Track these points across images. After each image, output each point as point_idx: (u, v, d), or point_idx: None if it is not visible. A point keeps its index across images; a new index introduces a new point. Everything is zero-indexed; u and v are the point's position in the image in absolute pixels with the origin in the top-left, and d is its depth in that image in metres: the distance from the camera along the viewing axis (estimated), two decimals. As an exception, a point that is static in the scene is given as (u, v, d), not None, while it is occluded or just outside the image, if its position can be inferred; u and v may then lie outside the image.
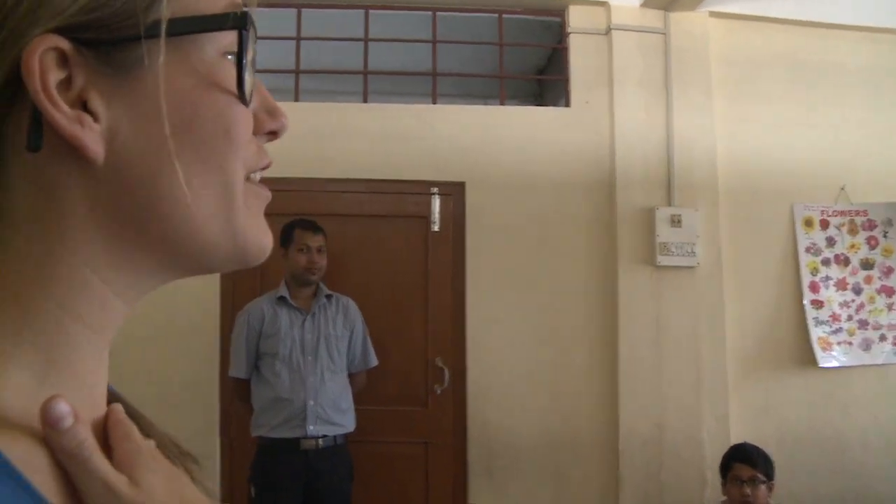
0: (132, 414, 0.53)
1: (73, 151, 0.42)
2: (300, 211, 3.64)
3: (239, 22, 0.45)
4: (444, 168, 3.84)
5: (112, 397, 0.53)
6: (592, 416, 3.72)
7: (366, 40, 4.03)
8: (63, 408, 0.40)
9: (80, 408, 0.43)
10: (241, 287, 3.84)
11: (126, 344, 3.02)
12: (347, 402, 3.31)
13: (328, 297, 3.37)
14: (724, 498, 3.12)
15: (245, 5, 0.48)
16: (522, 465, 3.73)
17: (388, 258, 3.88)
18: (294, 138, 3.49)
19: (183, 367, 3.80)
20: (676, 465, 3.64)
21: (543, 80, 4.63)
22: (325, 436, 3.18)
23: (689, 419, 3.65)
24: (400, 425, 3.80)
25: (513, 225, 3.81)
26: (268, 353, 3.26)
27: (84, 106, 0.42)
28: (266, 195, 0.51)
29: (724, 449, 3.23)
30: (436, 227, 3.88)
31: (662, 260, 3.66)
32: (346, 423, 3.27)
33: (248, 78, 0.46)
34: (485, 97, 4.28)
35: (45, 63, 0.40)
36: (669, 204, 3.72)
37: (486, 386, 3.76)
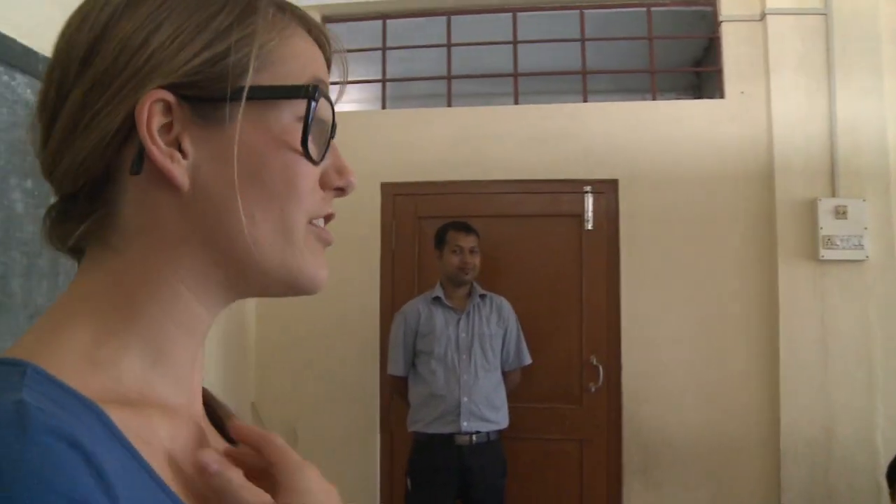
0: (215, 404, 0.68)
1: (166, 180, 0.55)
2: (456, 213, 3.91)
3: (309, 93, 0.57)
4: (597, 166, 3.99)
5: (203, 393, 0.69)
6: (752, 416, 3.77)
7: (515, 42, 4.24)
8: (209, 456, 0.53)
9: (177, 395, 0.57)
10: (399, 288, 4.15)
11: (295, 345, 3.44)
12: (500, 399, 3.54)
13: (482, 296, 3.63)
14: (894, 505, 3.04)
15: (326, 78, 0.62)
16: (678, 464, 3.82)
17: (542, 257, 4.07)
18: (448, 143, 3.79)
19: (346, 365, 4.16)
20: (846, 470, 3.63)
21: (702, 71, 4.63)
22: (478, 432, 3.44)
23: (860, 422, 3.63)
24: (555, 423, 3.99)
25: (667, 221, 3.90)
26: (424, 351, 3.56)
27: (178, 146, 0.55)
28: (327, 239, 0.62)
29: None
30: (589, 226, 4.03)
31: (826, 254, 3.63)
32: (499, 419, 3.51)
33: (314, 140, 0.58)
34: (641, 91, 4.34)
35: (152, 110, 0.54)
36: (833, 194, 3.70)
37: (641, 384, 3.88)
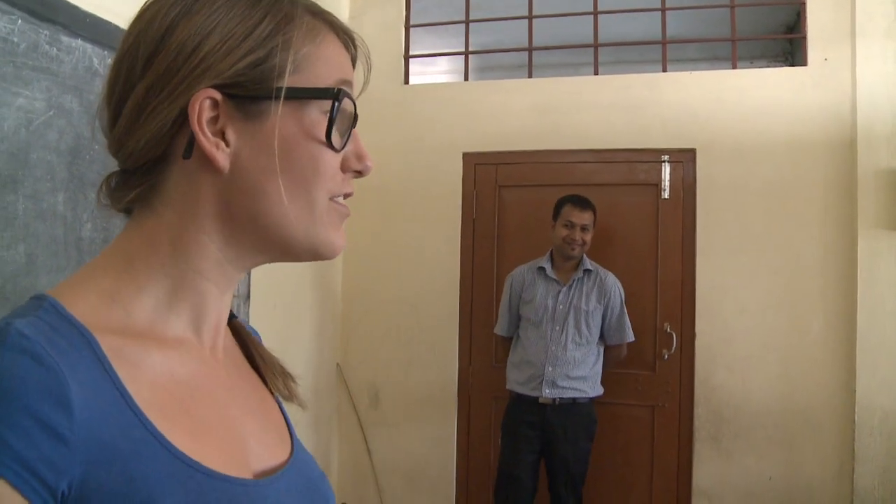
0: (249, 339, 0.85)
1: (210, 163, 0.67)
2: (536, 182, 4.15)
3: (333, 95, 0.69)
4: (675, 135, 4.10)
5: (237, 327, 0.85)
6: (827, 387, 3.83)
7: (595, 13, 4.36)
8: None
9: (189, 331, 0.70)
10: (479, 256, 4.41)
11: (379, 309, 3.81)
12: (589, 371, 3.69)
13: (587, 271, 3.78)
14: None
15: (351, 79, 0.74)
16: (750, 432, 3.93)
17: (619, 226, 4.23)
18: (528, 113, 4.04)
19: (426, 330, 4.42)
20: (923, 442, 3.63)
21: (785, 38, 4.64)
22: (561, 397, 3.63)
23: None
24: (628, 388, 4.16)
25: (745, 190, 3.98)
26: (524, 316, 3.81)
27: (223, 135, 0.67)
28: (345, 213, 0.74)
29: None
30: (666, 195, 4.15)
31: (909, 224, 3.63)
32: (584, 388, 3.67)
33: (336, 132, 0.70)
34: (729, 60, 4.41)
35: (203, 106, 0.66)
36: (920, 163, 3.67)
37: (714, 352, 3.99)
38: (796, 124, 3.93)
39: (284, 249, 0.72)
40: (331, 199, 0.72)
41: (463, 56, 4.71)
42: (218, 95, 0.66)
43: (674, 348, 4.10)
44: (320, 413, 4.36)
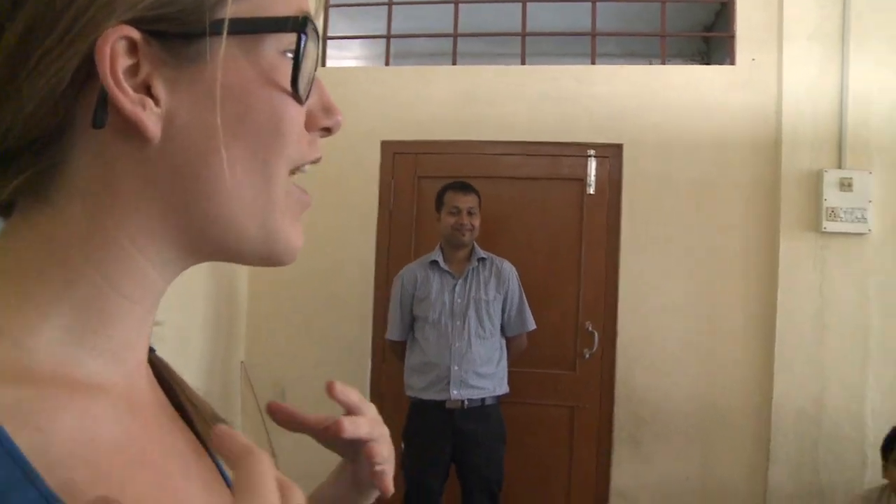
0: (173, 378, 0.64)
1: (133, 131, 0.48)
2: (457, 173, 4.06)
3: (298, 26, 0.52)
4: (602, 130, 4.12)
5: (157, 363, 0.63)
6: (745, 386, 3.93)
7: (524, 1, 4.32)
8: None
9: (111, 373, 0.51)
10: (396, 249, 4.30)
11: (288, 304, 3.64)
12: (495, 366, 3.62)
13: (481, 260, 3.69)
14: (884, 481, 3.20)
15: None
16: (669, 432, 3.99)
17: (542, 221, 4.22)
18: (451, 102, 3.95)
19: (338, 327, 4.30)
20: (835, 442, 3.80)
21: (711, 37, 4.75)
22: (470, 398, 3.54)
23: (850, 395, 3.80)
24: (547, 388, 4.16)
25: (671, 188, 4.04)
26: (420, 316, 3.66)
27: (148, 91, 0.49)
28: (306, 201, 0.57)
29: (888, 429, 3.32)
30: (591, 190, 4.17)
31: (829, 226, 3.78)
32: (492, 387, 3.59)
33: (303, 77, 0.53)
34: (650, 56, 4.47)
35: (115, 50, 0.47)
36: (839, 166, 3.83)
37: (636, 352, 4.03)
38: (723, 123, 4.02)
39: (229, 248, 0.54)
40: (293, 171, 0.55)
41: (383, 40, 4.61)
42: (136, 34, 0.47)
43: (595, 347, 4.12)
44: (222, 414, 4.16)
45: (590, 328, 4.14)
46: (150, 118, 0.49)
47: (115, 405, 0.51)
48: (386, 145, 4.36)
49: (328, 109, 0.57)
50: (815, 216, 3.82)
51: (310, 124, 0.56)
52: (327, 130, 0.58)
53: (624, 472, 4.05)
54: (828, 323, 3.81)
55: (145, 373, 0.58)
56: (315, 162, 0.57)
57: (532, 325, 3.70)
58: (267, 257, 0.56)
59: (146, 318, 0.54)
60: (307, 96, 0.54)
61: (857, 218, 3.77)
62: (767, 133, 3.97)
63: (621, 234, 4.12)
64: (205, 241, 0.54)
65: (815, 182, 3.85)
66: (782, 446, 3.83)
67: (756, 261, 3.96)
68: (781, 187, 3.89)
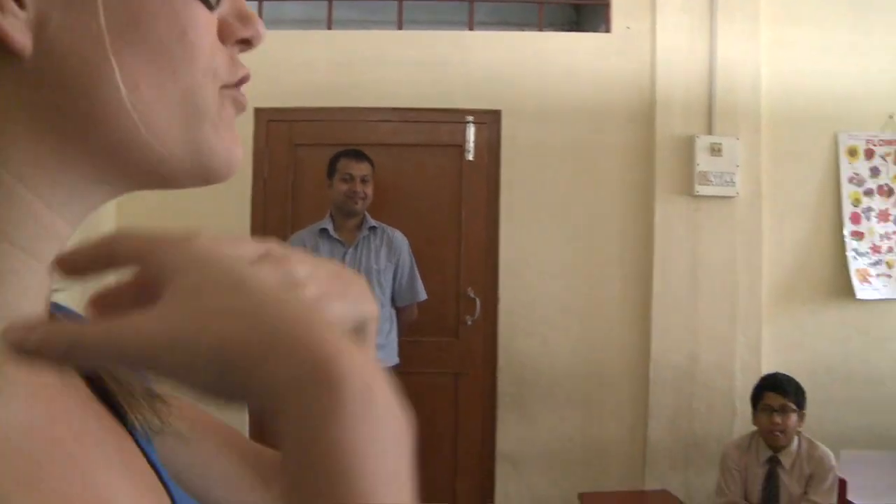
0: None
1: None
2: (333, 141, 3.97)
3: None
4: (480, 96, 4.12)
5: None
6: (624, 347, 4.05)
7: (400, -36, 4.25)
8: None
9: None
10: (271, 219, 4.17)
11: None
12: (387, 337, 3.59)
13: (372, 228, 3.65)
14: (754, 428, 3.40)
15: None
16: (552, 394, 4.08)
17: (421, 188, 4.19)
18: (327, 67, 3.85)
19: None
20: (707, 395, 3.99)
21: (582, 5, 4.83)
22: None
23: (721, 350, 3.99)
24: (431, 356, 4.15)
25: (549, 154, 4.09)
26: None
27: None
28: (242, 103, 0.49)
29: (756, 380, 3.53)
30: (470, 157, 4.17)
31: (701, 190, 3.94)
32: (384, 357, 3.55)
33: None
34: (522, 24, 4.49)
35: None
36: (710, 132, 3.98)
37: (517, 316, 4.08)
38: (599, 90, 4.09)
39: (151, 173, 0.46)
40: (221, 87, 0.47)
41: (252, 4, 4.42)
42: None
43: (477, 313, 4.15)
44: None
45: (471, 294, 4.15)
46: (13, 25, 0.39)
47: (14, 383, 0.40)
48: (260, 113, 4.19)
49: (244, 17, 0.48)
50: (687, 180, 3.97)
51: (224, 35, 0.47)
52: (246, 43, 0.49)
53: (509, 436, 4.11)
54: (700, 283, 3.99)
55: None
56: (244, 81, 0.49)
57: (423, 296, 3.70)
58: (201, 175, 0.47)
59: (45, 276, 0.44)
60: (217, 1, 0.46)
61: (726, 182, 3.95)
62: (642, 100, 4.08)
63: (500, 200, 4.14)
64: (117, 169, 0.45)
65: (687, 147, 3.99)
66: (660, 402, 3.99)
67: (632, 225, 4.08)
68: (656, 153, 4.02)
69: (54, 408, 0.44)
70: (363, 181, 3.59)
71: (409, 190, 4.17)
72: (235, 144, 0.48)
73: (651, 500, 3.61)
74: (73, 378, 0.48)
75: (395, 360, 3.63)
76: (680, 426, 3.99)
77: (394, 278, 3.63)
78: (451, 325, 4.18)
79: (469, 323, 4.16)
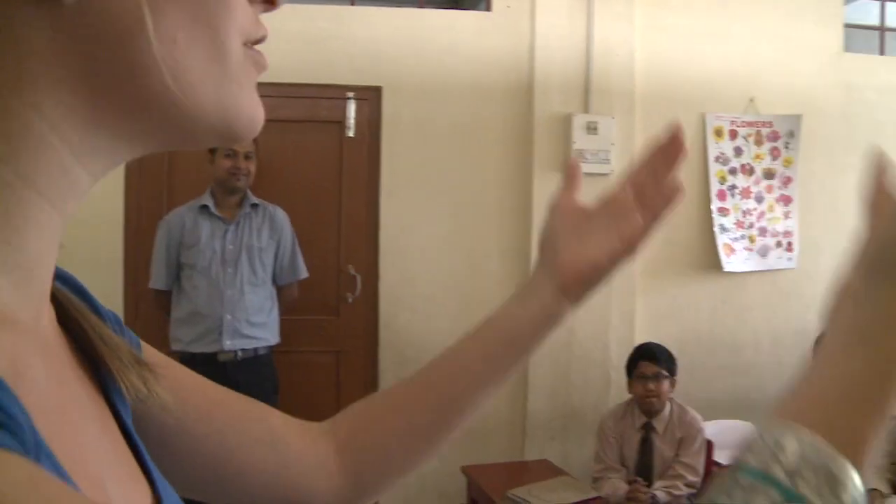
0: (79, 311, 0.52)
1: None
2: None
3: None
4: (361, 72, 4.09)
5: (73, 290, 0.55)
6: (504, 322, 4.09)
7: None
8: None
9: (21, 297, 0.41)
10: (146, 196, 4.01)
11: None
12: (268, 315, 3.55)
13: (254, 206, 3.59)
14: (629, 396, 3.53)
15: None
16: (434, 370, 4.07)
17: (300, 164, 4.13)
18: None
19: (85, 279, 3.94)
20: (584, 366, 4.12)
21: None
22: (243, 349, 3.45)
23: (597, 323, 4.12)
24: (311, 335, 4.11)
25: (429, 131, 4.11)
26: (187, 264, 3.49)
27: None
28: (265, 64, 0.49)
29: (629, 351, 3.66)
30: (350, 133, 4.14)
31: (577, 167, 3.99)
32: (266, 336, 3.53)
33: None
34: (403, 1, 4.47)
35: None
36: (586, 111, 4.09)
37: (398, 293, 4.10)
38: (479, 67, 4.14)
39: (177, 133, 0.46)
40: (245, 44, 0.47)
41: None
42: None
43: (358, 291, 4.13)
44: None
45: (352, 272, 4.13)
46: None
47: (28, 339, 0.41)
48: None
49: None
50: (565, 158, 4.07)
51: None
52: (270, 4, 0.50)
53: (390, 413, 4.12)
54: (577, 258, 4.09)
55: (48, 302, 0.47)
56: (262, 40, 0.49)
57: (304, 274, 3.67)
58: (225, 135, 0.47)
59: (61, 228, 0.44)
60: None
61: (601, 159, 4.07)
62: (521, 78, 4.14)
63: (381, 177, 4.13)
64: (144, 125, 0.44)
65: (564, 126, 4.09)
66: (538, 375, 4.08)
67: (513, 201, 4.15)
68: (534, 130, 4.10)
69: (55, 365, 0.45)
70: (246, 157, 3.52)
71: (288, 167, 4.10)
72: (259, 105, 0.48)
73: (532, 469, 3.69)
74: (57, 336, 0.48)
75: (278, 338, 3.59)
76: (558, 398, 4.11)
77: (275, 257, 3.58)
78: (332, 303, 4.15)
79: (350, 300, 4.14)
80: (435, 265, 4.14)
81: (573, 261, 0.77)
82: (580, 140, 4.06)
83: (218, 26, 0.44)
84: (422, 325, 4.11)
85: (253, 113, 0.47)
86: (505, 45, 4.14)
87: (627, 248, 0.77)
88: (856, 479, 0.44)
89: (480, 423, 4.11)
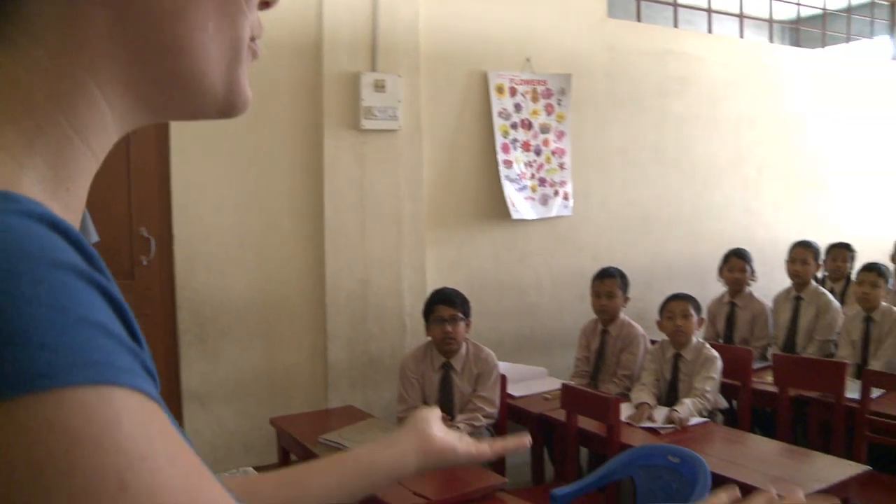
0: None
1: None
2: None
3: None
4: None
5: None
6: (301, 276, 4.23)
7: None
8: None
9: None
10: None
11: None
12: None
13: None
14: (427, 339, 3.73)
15: None
16: (233, 327, 4.15)
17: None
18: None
19: None
20: (380, 315, 4.31)
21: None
22: None
23: (390, 273, 4.32)
24: (107, 300, 3.97)
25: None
26: None
27: None
28: (258, 54, 0.58)
29: (422, 298, 3.87)
30: (137, 91, 4.00)
31: (367, 124, 4.18)
32: None
33: None
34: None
35: None
36: (374, 69, 4.19)
37: (194, 253, 4.08)
38: (267, 24, 4.07)
39: (193, 100, 0.54)
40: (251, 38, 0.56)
41: None
42: None
43: (152, 253, 4.08)
44: None
45: (145, 234, 4.07)
46: None
47: None
48: None
49: None
50: (354, 115, 4.19)
51: None
52: (266, 5, 0.58)
53: (193, 373, 4.13)
54: (368, 211, 4.25)
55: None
56: (260, 37, 0.58)
57: (95, 237, 3.55)
58: (227, 108, 0.56)
59: (94, 171, 0.51)
60: None
61: (389, 116, 4.22)
62: (309, 36, 4.18)
63: (170, 136, 4.06)
64: (169, 92, 0.52)
65: (353, 83, 4.19)
66: (337, 326, 4.23)
67: (303, 158, 4.22)
68: (324, 88, 4.17)
69: None
70: None
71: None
72: (248, 88, 0.57)
73: (338, 416, 3.80)
74: None
75: None
76: (357, 347, 4.28)
77: None
78: (126, 266, 4.07)
79: (145, 263, 4.08)
80: (229, 223, 4.14)
81: (439, 438, 0.97)
82: (368, 98, 4.18)
83: (239, 21, 0.53)
84: (218, 284, 4.13)
85: (247, 94, 0.57)
86: (293, 3, 4.16)
87: (473, 459, 1.01)
88: None
89: (284, 376, 4.23)
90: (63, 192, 0.47)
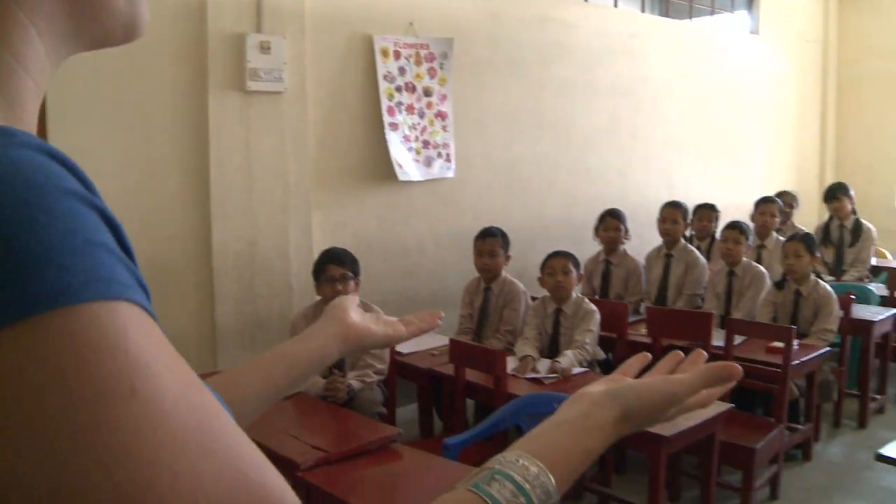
0: None
1: None
2: None
3: None
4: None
5: None
6: (187, 239, 4.22)
7: None
8: None
9: None
10: None
11: None
12: None
13: None
14: (318, 297, 3.82)
15: None
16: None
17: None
18: None
19: None
20: (267, 276, 4.36)
21: None
22: None
23: (277, 235, 4.37)
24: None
25: (96, 51, 3.95)
26: None
27: None
28: None
29: (309, 260, 3.96)
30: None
31: (252, 86, 4.18)
32: None
33: None
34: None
35: None
36: (259, 31, 4.20)
37: (76, 216, 3.97)
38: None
39: (104, 24, 0.57)
40: None
41: None
42: None
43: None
44: None
45: (23, 197, 3.96)
46: None
47: None
48: None
49: None
50: (239, 77, 4.18)
51: None
52: None
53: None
54: (254, 174, 4.27)
55: None
56: None
57: None
58: (129, 30, 0.59)
59: (37, 105, 0.54)
60: None
61: (275, 78, 4.24)
62: (192, -4, 4.13)
63: (48, 101, 3.93)
64: (84, 20, 0.55)
65: (238, 45, 4.17)
66: (224, 287, 4.25)
67: (189, 121, 4.17)
68: (208, 49, 4.14)
69: None
70: None
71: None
72: (147, 10, 0.61)
73: (226, 377, 3.87)
74: None
75: None
76: (244, 307, 4.31)
77: None
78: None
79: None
80: (113, 186, 4.04)
81: (357, 323, 1.02)
82: (254, 59, 4.18)
83: None
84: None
85: (146, 14, 0.61)
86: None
87: (391, 340, 1.07)
88: (555, 493, 0.70)
89: (171, 338, 4.07)
90: (17, 122, 0.50)
